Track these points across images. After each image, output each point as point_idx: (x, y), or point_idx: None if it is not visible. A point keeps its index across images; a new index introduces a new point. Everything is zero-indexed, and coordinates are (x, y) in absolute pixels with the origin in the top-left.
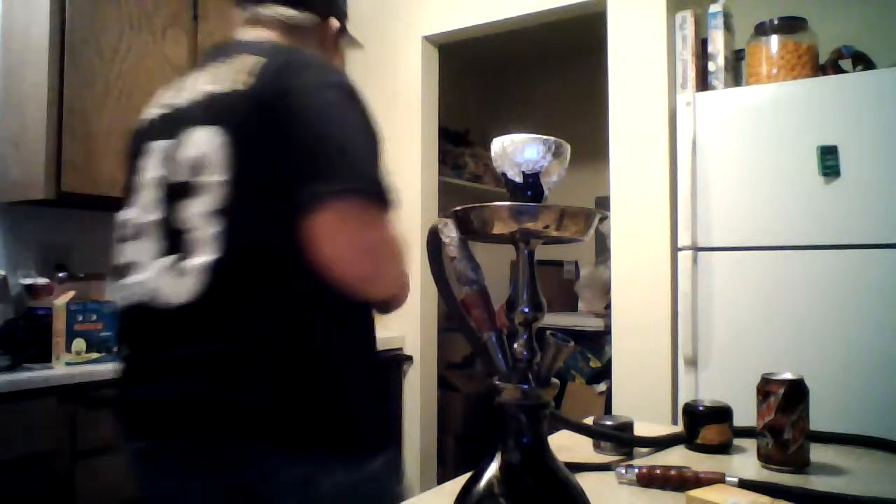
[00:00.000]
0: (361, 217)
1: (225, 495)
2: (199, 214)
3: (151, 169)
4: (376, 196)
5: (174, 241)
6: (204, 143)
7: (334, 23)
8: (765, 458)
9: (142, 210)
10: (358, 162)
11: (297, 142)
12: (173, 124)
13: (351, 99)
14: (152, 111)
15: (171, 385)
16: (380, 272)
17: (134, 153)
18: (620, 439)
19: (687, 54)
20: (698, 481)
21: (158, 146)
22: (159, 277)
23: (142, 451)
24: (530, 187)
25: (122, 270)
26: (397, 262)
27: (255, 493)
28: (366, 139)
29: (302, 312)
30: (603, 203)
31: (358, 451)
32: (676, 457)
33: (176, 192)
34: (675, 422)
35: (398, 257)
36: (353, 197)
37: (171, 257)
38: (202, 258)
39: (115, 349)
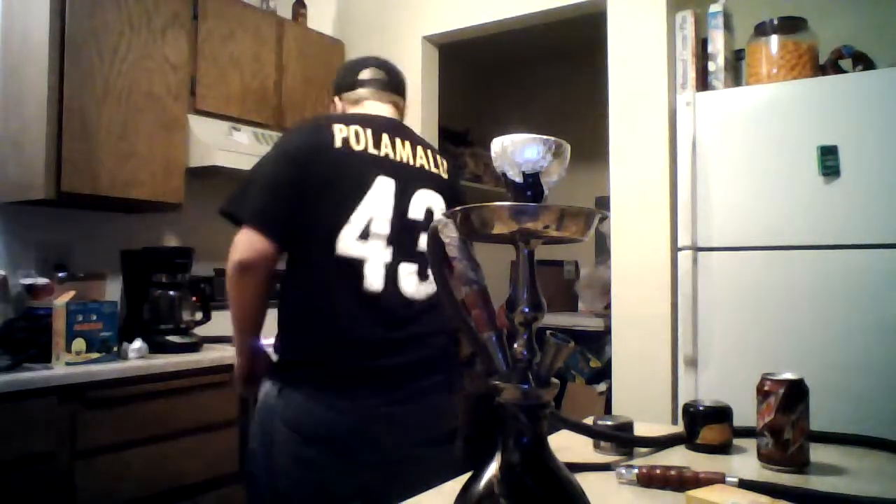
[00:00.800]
0: None
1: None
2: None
3: (382, 196)
4: None
5: (413, 257)
6: (432, 200)
7: None
8: (765, 458)
9: (376, 224)
10: None
11: None
12: (407, 175)
13: None
14: (368, 148)
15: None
16: None
17: (362, 177)
18: (620, 439)
19: (687, 54)
20: (698, 481)
21: (389, 183)
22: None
23: (419, 389)
24: (530, 187)
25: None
26: None
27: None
28: None
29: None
30: (603, 203)
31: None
32: (676, 457)
33: (412, 225)
34: (675, 422)
35: None
36: None
37: (415, 266)
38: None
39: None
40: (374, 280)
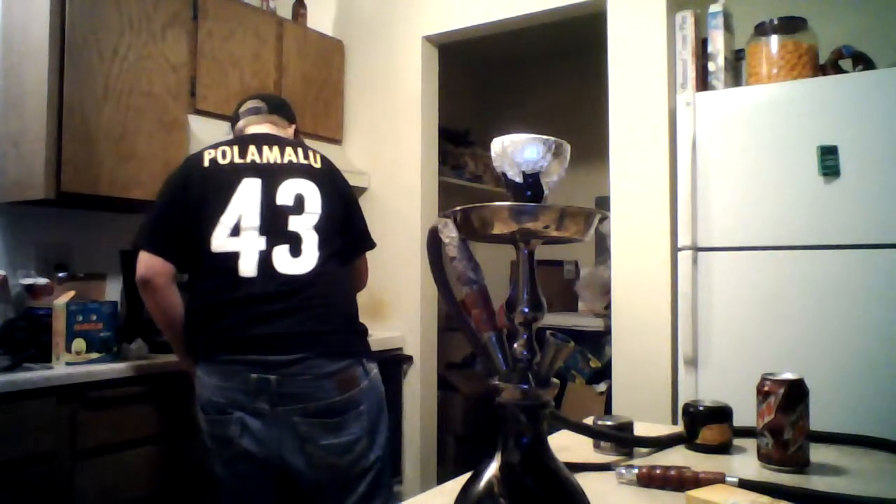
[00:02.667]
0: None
1: (333, 378)
2: (305, 227)
3: (247, 195)
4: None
5: (285, 238)
6: (301, 186)
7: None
8: (765, 458)
9: (246, 218)
10: (368, 233)
11: (353, 213)
12: (272, 171)
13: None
14: (232, 161)
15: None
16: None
17: (217, 185)
18: (620, 439)
19: (687, 54)
20: (698, 481)
21: (255, 182)
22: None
23: (282, 361)
24: (530, 187)
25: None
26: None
27: (344, 374)
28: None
29: (347, 289)
30: (603, 203)
31: (368, 360)
32: (676, 457)
33: (280, 211)
34: (675, 422)
35: None
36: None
37: (286, 246)
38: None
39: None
40: (247, 267)
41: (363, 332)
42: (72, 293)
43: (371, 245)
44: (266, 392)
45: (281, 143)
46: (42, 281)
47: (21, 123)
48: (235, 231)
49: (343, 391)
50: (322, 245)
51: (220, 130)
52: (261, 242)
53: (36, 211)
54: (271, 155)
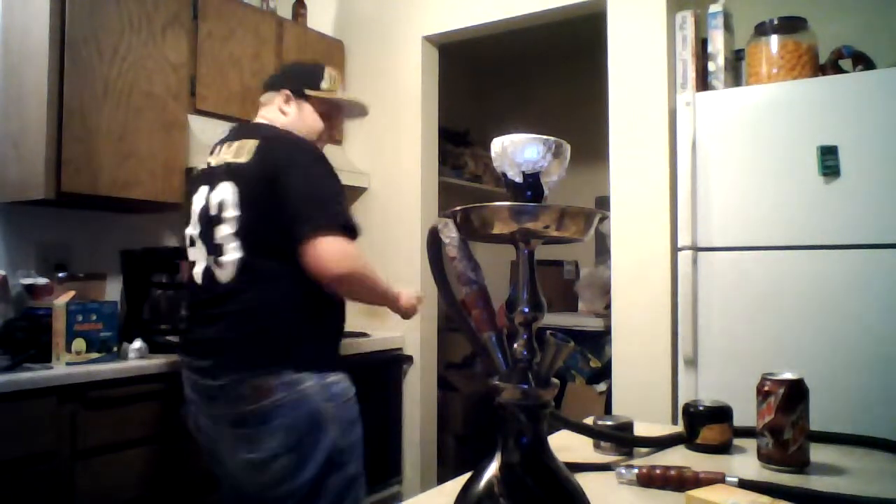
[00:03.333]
0: (337, 243)
1: (244, 387)
2: (225, 235)
3: (196, 204)
4: (342, 228)
5: (214, 248)
6: (224, 191)
7: (303, 95)
8: (765, 458)
9: (193, 229)
10: (327, 205)
11: (286, 195)
12: (213, 176)
13: (316, 160)
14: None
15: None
16: (348, 278)
17: (189, 192)
18: (620, 439)
19: (687, 54)
20: (698, 481)
21: (204, 189)
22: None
23: (203, 367)
24: (530, 187)
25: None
26: (358, 270)
27: (252, 384)
28: (331, 185)
29: (279, 294)
30: (603, 203)
31: (295, 371)
32: (676, 457)
33: (211, 220)
34: (675, 422)
35: (359, 268)
36: (329, 230)
37: (213, 257)
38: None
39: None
40: (197, 275)
41: (297, 338)
42: (72, 293)
43: (318, 224)
44: (203, 395)
45: (241, 136)
46: (42, 281)
47: (21, 123)
48: (192, 241)
49: (251, 402)
50: (243, 250)
51: (220, 130)
52: (205, 251)
53: (36, 211)
54: (221, 155)
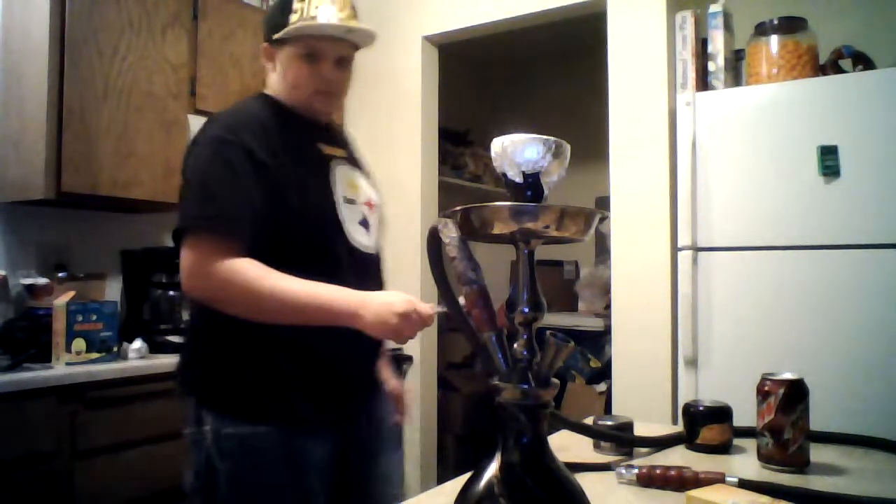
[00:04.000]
0: (185, 253)
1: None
2: None
3: None
4: (200, 229)
5: None
6: None
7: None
8: (765, 458)
9: None
10: (186, 201)
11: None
12: None
13: (210, 140)
14: None
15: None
16: (209, 301)
17: None
18: (620, 439)
19: (687, 54)
20: (698, 481)
21: None
22: None
23: None
24: (530, 187)
25: None
26: (212, 292)
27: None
28: (204, 172)
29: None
30: (603, 203)
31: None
32: (676, 457)
33: None
34: (675, 422)
35: (215, 289)
36: (185, 235)
37: None
38: None
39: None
40: None
41: (214, 369)
42: (72, 293)
43: (176, 228)
44: None
45: None
46: (42, 281)
47: (21, 123)
48: None
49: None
50: None
51: None
52: None
53: (36, 211)
54: None
